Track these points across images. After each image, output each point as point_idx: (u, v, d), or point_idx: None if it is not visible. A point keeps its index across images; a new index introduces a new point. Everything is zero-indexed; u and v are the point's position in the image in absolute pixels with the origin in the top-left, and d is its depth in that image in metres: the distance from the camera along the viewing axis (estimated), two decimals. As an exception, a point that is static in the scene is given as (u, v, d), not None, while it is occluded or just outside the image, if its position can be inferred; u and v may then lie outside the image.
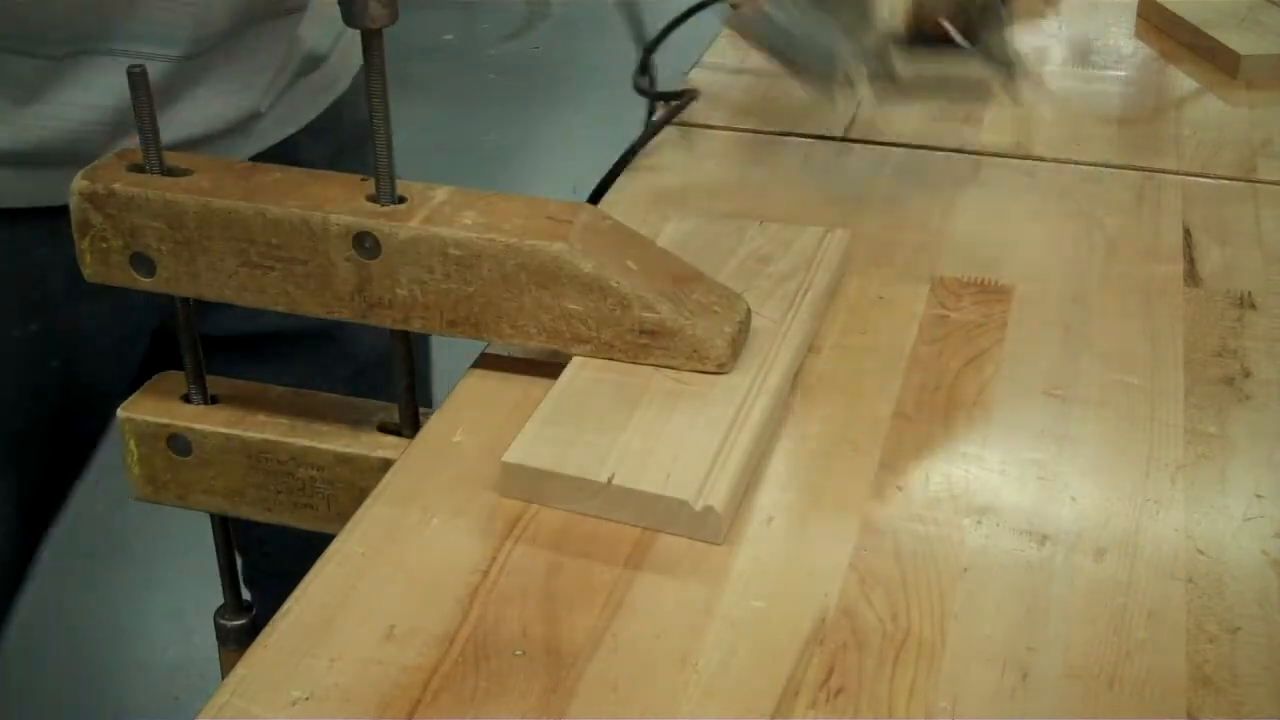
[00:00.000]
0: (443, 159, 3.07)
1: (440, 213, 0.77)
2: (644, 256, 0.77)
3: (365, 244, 0.77)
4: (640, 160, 1.05)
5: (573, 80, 3.73)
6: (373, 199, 0.78)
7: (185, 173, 0.82)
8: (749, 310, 0.78)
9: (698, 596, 0.63)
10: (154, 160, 0.80)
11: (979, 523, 0.67)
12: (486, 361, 0.80)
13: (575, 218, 0.76)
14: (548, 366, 0.77)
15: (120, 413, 0.84)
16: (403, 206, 0.78)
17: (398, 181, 0.79)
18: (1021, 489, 0.69)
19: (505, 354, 0.80)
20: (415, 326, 0.78)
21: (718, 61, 1.24)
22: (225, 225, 0.78)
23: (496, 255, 0.75)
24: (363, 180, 0.79)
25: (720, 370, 0.75)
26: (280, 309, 0.81)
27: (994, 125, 1.09)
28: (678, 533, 0.66)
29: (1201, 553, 0.65)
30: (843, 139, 1.07)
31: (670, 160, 1.05)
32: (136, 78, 0.78)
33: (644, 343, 0.75)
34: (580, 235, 0.75)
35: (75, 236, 0.80)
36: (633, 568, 0.65)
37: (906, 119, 1.10)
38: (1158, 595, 0.63)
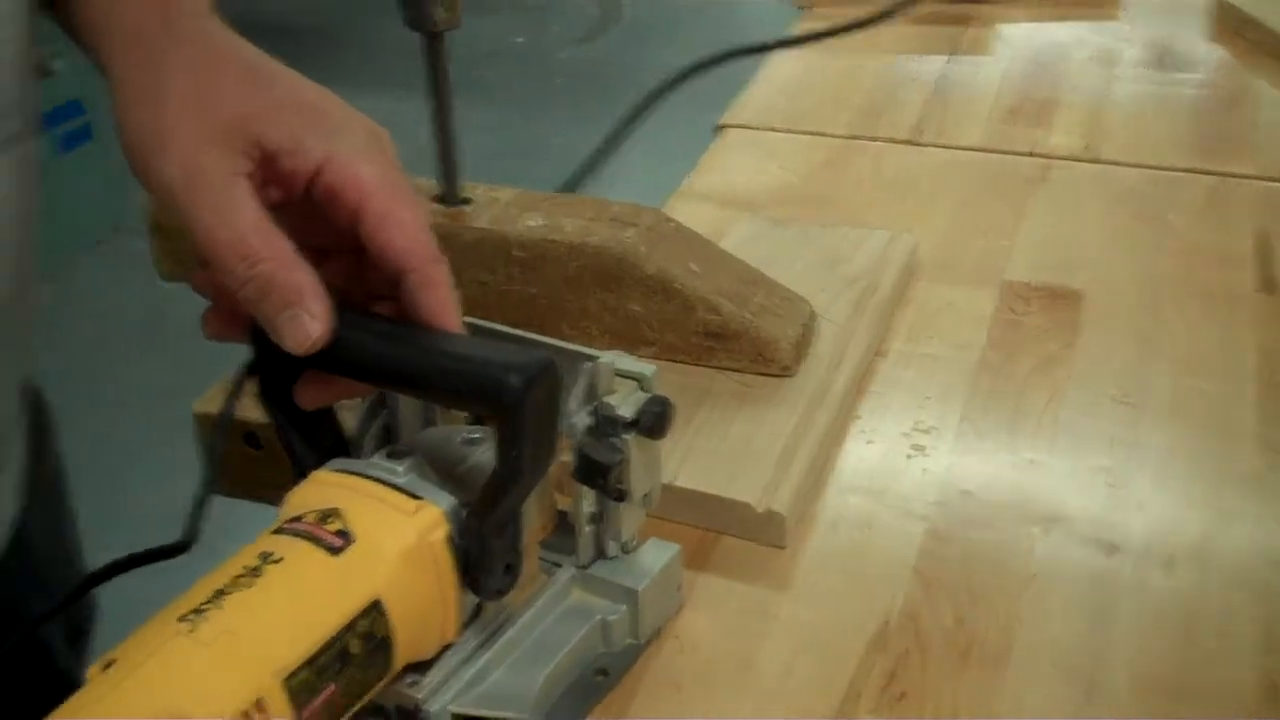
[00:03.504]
0: (509, 162, 3.07)
1: (505, 214, 0.77)
2: (707, 259, 0.76)
3: (431, 244, 0.77)
4: (708, 163, 1.05)
5: (643, 86, 3.74)
6: (439, 200, 0.78)
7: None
8: (813, 313, 0.77)
9: (762, 599, 0.63)
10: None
11: (1047, 530, 0.66)
12: (551, 363, 0.80)
13: (639, 220, 0.76)
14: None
15: (195, 408, 0.85)
16: (467, 208, 0.78)
17: (463, 184, 0.79)
18: (1090, 497, 0.68)
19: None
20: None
21: (779, 69, 1.24)
22: (294, 225, 0.79)
23: (560, 257, 0.75)
24: (429, 181, 0.79)
25: (785, 373, 0.74)
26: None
27: (1064, 128, 1.08)
28: (741, 535, 0.66)
29: (1273, 564, 0.64)
30: (910, 142, 1.06)
31: (738, 163, 1.05)
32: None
33: (708, 345, 0.75)
34: (644, 237, 0.75)
35: (148, 239, 0.81)
36: (697, 569, 0.64)
37: (975, 121, 1.09)
38: (1228, 607, 0.62)
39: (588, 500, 0.58)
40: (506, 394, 0.50)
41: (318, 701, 0.48)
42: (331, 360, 0.54)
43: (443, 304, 0.54)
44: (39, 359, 0.71)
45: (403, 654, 0.52)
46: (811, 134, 1.08)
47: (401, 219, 0.54)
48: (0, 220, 0.58)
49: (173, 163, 0.52)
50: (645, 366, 0.58)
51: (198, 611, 0.47)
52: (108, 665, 0.46)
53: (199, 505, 0.72)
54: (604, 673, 0.58)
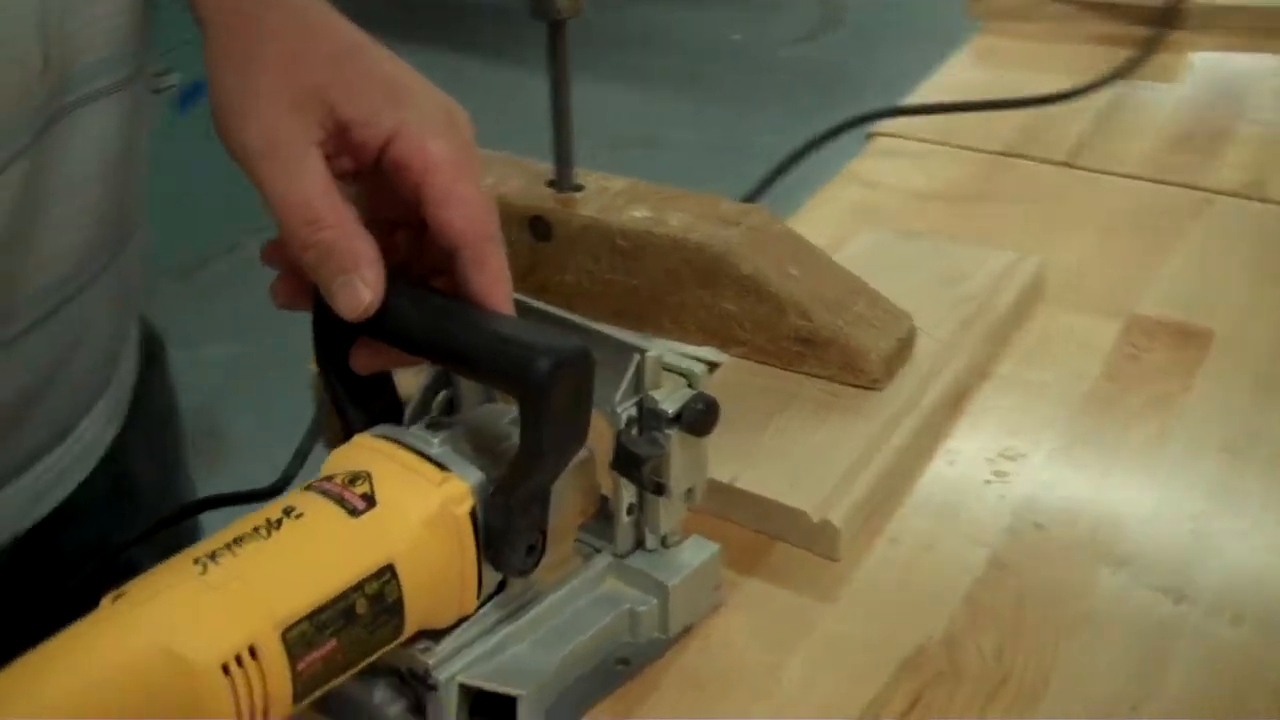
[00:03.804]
0: (714, 159, 3.08)
1: (613, 204, 0.78)
2: (809, 264, 0.76)
3: (539, 228, 0.78)
4: (853, 169, 1.04)
5: (859, 89, 3.70)
6: (551, 185, 0.79)
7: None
8: (913, 328, 0.76)
9: (803, 608, 0.62)
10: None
11: (1115, 572, 0.64)
12: (650, 354, 0.80)
13: (744, 219, 0.76)
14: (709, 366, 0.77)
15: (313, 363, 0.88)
16: (578, 195, 0.79)
17: (580, 171, 0.80)
18: (1170, 542, 0.66)
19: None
20: (577, 312, 0.79)
21: (949, 78, 1.22)
22: (412, 197, 0.81)
23: (661, 250, 0.75)
24: (545, 166, 0.80)
25: (874, 385, 0.73)
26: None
27: (1234, 162, 1.03)
28: (795, 543, 0.65)
29: (1355, 633, 0.61)
30: (1065, 164, 1.03)
31: (881, 172, 1.04)
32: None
33: (798, 350, 0.74)
34: (745, 237, 0.74)
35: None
36: (744, 570, 0.64)
37: (1139, 148, 1.05)
38: (1292, 671, 0.58)
39: (627, 491, 0.59)
40: (532, 376, 0.50)
41: (316, 655, 0.49)
42: (380, 329, 0.55)
43: (492, 283, 0.55)
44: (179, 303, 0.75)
45: (416, 620, 0.53)
46: (964, 148, 1.06)
47: (462, 196, 0.54)
48: (106, 156, 0.61)
49: (251, 127, 0.54)
50: (695, 365, 0.58)
51: (213, 556, 0.49)
52: (118, 597, 0.48)
53: (300, 453, 0.75)
54: (625, 662, 0.59)
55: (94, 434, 0.67)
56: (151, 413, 0.78)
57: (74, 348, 0.63)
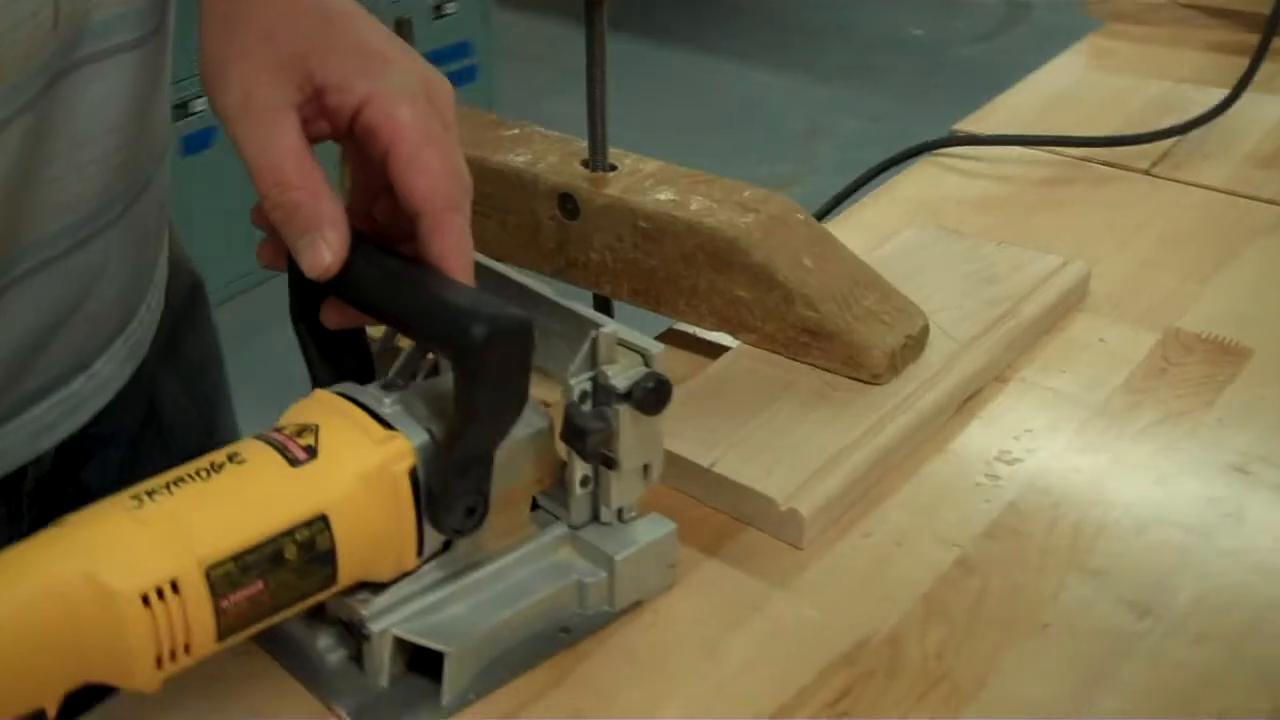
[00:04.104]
0: (876, 149, 3.05)
1: (640, 185, 0.79)
2: (825, 256, 0.76)
3: (568, 205, 0.80)
4: (924, 166, 1.03)
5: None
6: (584, 164, 0.81)
7: (438, 117, 0.87)
8: (926, 327, 0.75)
9: (756, 592, 0.63)
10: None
11: (1084, 582, 0.63)
12: (671, 337, 0.81)
13: (763, 207, 0.76)
14: (722, 350, 0.78)
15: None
16: (609, 175, 0.80)
17: (617, 152, 0.81)
18: (1150, 558, 0.65)
19: (692, 333, 0.81)
20: (605, 291, 0.81)
21: (1049, 78, 1.20)
22: (454, 169, 0.83)
23: (679, 233, 0.76)
24: (582, 144, 0.82)
25: (875, 380, 0.73)
26: (494, 256, 0.85)
27: (1326, 179, 1.00)
28: (764, 529, 0.66)
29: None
30: (1145, 172, 1.01)
31: (954, 169, 1.03)
32: (403, 27, 0.85)
33: (804, 341, 0.74)
34: (761, 225, 0.75)
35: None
36: (708, 552, 0.65)
37: (1226, 160, 1.02)
38: (1243, 698, 0.57)
39: (581, 463, 0.60)
40: (466, 341, 0.52)
41: (241, 595, 0.51)
42: (343, 288, 0.57)
43: (450, 249, 0.56)
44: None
45: (351, 571, 0.55)
46: (1044, 149, 1.04)
47: (426, 164, 0.56)
48: (118, 112, 0.64)
49: (232, 89, 0.57)
50: (653, 344, 0.59)
51: (150, 494, 0.52)
52: (58, 525, 0.51)
53: None
54: (568, 630, 0.60)
55: (110, 371, 0.71)
56: (189, 355, 0.82)
57: (88, 289, 0.66)
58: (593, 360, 0.58)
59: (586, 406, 0.59)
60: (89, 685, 0.51)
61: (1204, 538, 0.66)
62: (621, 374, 0.58)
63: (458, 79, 3.06)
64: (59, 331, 0.66)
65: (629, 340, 0.59)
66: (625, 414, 0.58)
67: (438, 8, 2.97)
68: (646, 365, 0.59)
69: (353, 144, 0.59)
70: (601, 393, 0.58)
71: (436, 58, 2.99)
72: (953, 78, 3.69)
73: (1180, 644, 0.60)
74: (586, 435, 0.58)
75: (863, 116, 3.47)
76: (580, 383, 0.58)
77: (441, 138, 0.57)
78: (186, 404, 0.81)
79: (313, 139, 0.58)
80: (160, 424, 0.79)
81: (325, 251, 0.55)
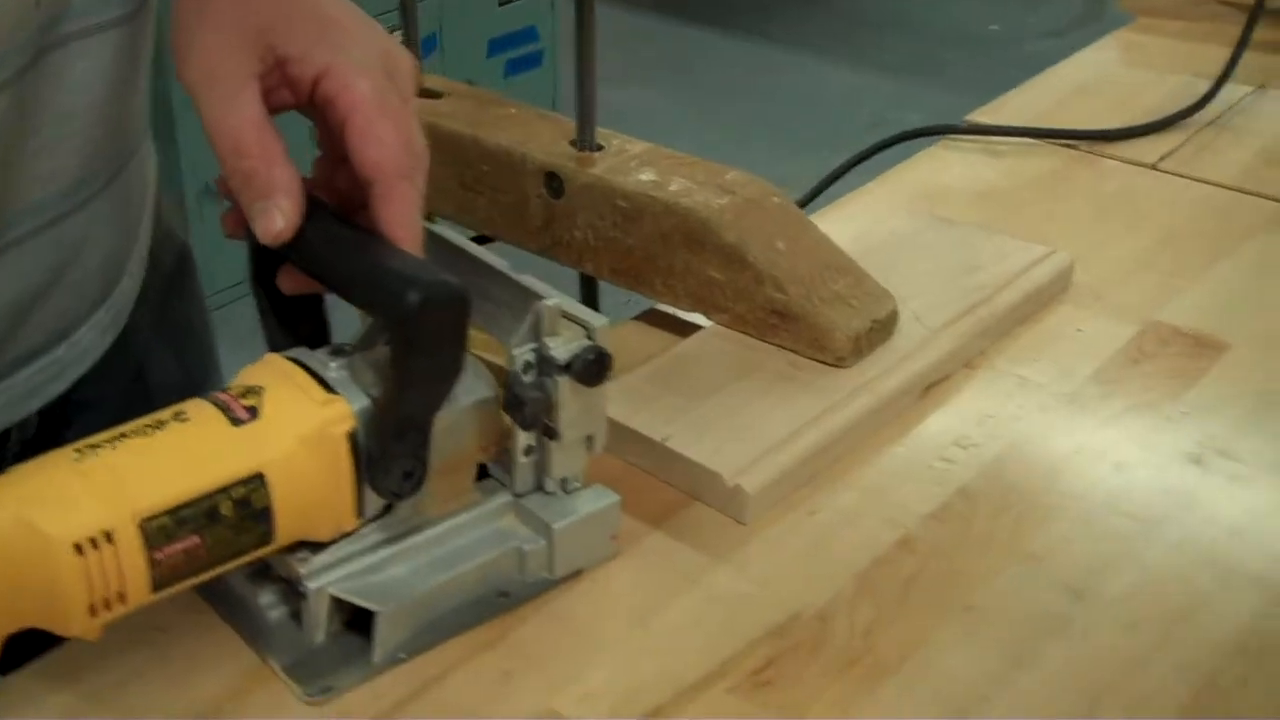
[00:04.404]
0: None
1: (623, 166, 0.80)
2: (798, 239, 0.77)
3: (553, 183, 0.81)
4: (929, 154, 1.04)
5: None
6: (571, 144, 0.82)
7: (438, 95, 0.89)
8: (894, 312, 0.76)
9: (697, 565, 0.64)
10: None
11: (1022, 566, 0.64)
12: (651, 317, 0.83)
13: (740, 190, 0.77)
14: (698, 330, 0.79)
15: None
16: (595, 155, 0.81)
17: (605, 132, 0.83)
18: (1095, 544, 0.65)
19: (671, 313, 0.82)
20: (587, 269, 0.82)
21: (1070, 71, 1.19)
22: (447, 147, 0.85)
23: (656, 213, 0.77)
24: (570, 122, 0.83)
25: (839, 364, 0.74)
26: (485, 233, 0.87)
27: (1336, 177, 0.99)
28: (712, 504, 0.67)
29: (1229, 655, 0.59)
30: (1152, 166, 1.01)
31: (958, 159, 1.03)
32: (407, 3, 0.87)
33: (773, 322, 0.75)
34: (736, 207, 0.76)
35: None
36: (654, 523, 0.66)
37: (1237, 157, 1.02)
38: (1160, 690, 0.57)
39: (523, 433, 0.61)
40: (400, 308, 0.54)
41: (176, 548, 0.54)
42: (296, 254, 0.59)
43: (398, 218, 0.58)
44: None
45: (289, 530, 0.57)
46: (1053, 141, 1.04)
47: (380, 134, 0.58)
48: (100, 87, 0.66)
49: (196, 60, 0.59)
50: (596, 316, 0.60)
51: (93, 447, 0.54)
52: (4, 475, 0.54)
53: None
54: (506, 595, 0.62)
55: (92, 339, 0.73)
56: (178, 321, 0.84)
57: (71, 259, 0.69)
58: (536, 332, 0.60)
59: (530, 377, 0.60)
60: (34, 632, 0.54)
61: (1151, 527, 0.66)
62: (563, 346, 0.59)
63: (523, 65, 3.09)
64: (43, 300, 0.69)
65: (573, 313, 0.60)
66: (566, 385, 0.60)
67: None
68: (589, 338, 0.60)
69: (315, 114, 0.61)
70: (543, 363, 0.60)
71: (502, 43, 3.02)
72: (1021, 74, 3.67)
73: (1110, 630, 0.60)
74: (524, 405, 0.59)
75: (927, 111, 3.45)
76: (523, 353, 0.60)
77: (397, 109, 0.59)
78: (175, 369, 0.84)
79: (276, 109, 0.60)
80: (148, 389, 0.81)
81: (279, 218, 0.57)
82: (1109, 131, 1.04)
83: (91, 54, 0.65)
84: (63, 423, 0.76)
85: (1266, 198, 0.96)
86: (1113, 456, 0.71)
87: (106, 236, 0.71)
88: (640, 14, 4.32)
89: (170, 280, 0.83)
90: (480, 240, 0.86)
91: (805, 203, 0.93)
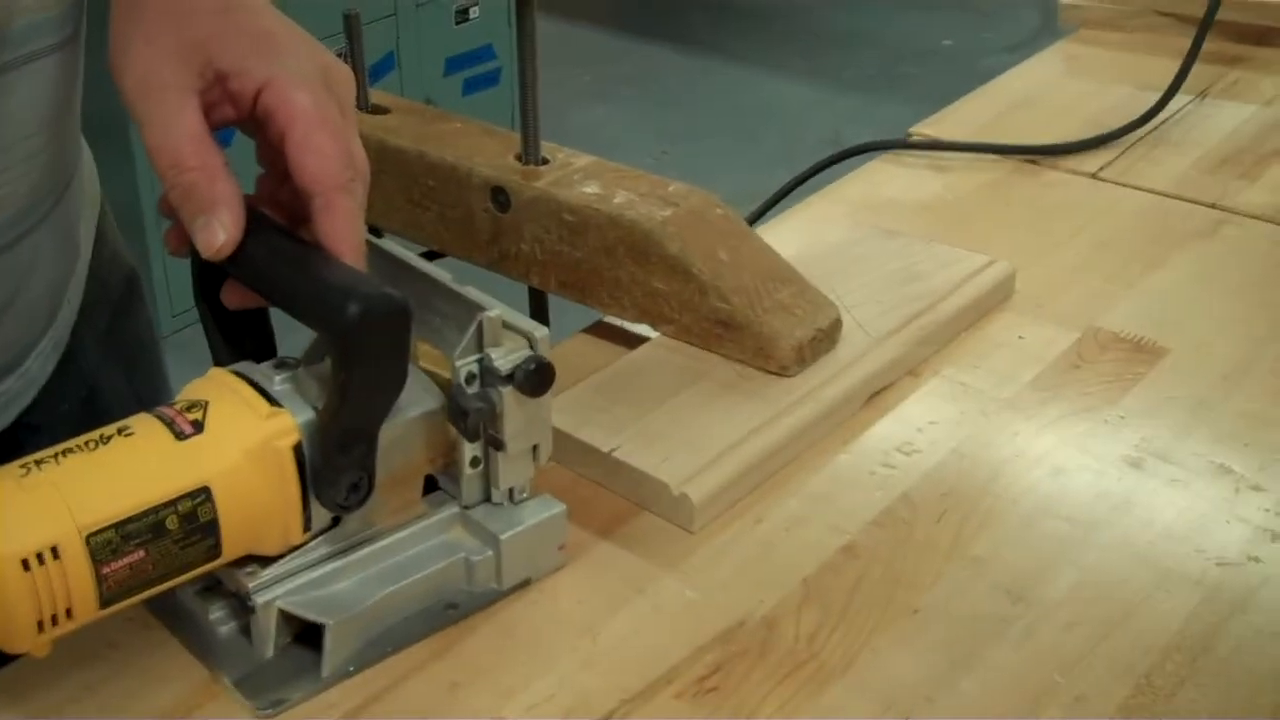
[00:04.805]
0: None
1: (568, 179, 0.81)
2: (741, 250, 0.78)
3: (499, 197, 0.82)
4: (871, 168, 1.05)
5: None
6: (517, 158, 0.83)
7: (385, 111, 0.90)
8: (838, 321, 0.77)
9: (644, 573, 0.65)
10: (362, 97, 0.89)
11: (963, 569, 0.65)
12: (599, 329, 0.83)
13: (683, 202, 0.78)
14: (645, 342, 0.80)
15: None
16: (540, 168, 0.82)
17: (550, 146, 0.83)
18: (1034, 546, 0.66)
19: (619, 326, 0.83)
20: (535, 282, 0.83)
21: (1014, 82, 1.21)
22: (395, 162, 0.86)
23: (601, 226, 0.78)
24: (516, 136, 0.84)
25: (784, 372, 0.75)
26: (434, 247, 0.87)
27: (1271, 186, 1.00)
28: (660, 514, 0.68)
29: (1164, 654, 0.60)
30: (1092, 175, 1.02)
31: (901, 172, 1.04)
32: (352, 20, 0.87)
33: (718, 332, 0.76)
34: (679, 219, 0.77)
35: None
36: (602, 534, 0.67)
37: (1175, 165, 1.03)
38: (1099, 690, 0.58)
39: (471, 444, 0.62)
40: (340, 321, 0.54)
41: (122, 562, 0.54)
42: (238, 269, 0.60)
43: (339, 230, 0.58)
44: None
45: (236, 544, 0.57)
46: (993, 154, 1.06)
47: (319, 146, 0.58)
48: (46, 111, 0.67)
49: (134, 72, 0.59)
50: (537, 327, 0.61)
51: (39, 463, 0.54)
52: (-51, 492, 0.54)
53: None
54: (454, 606, 0.62)
55: (37, 368, 0.74)
56: (127, 342, 0.84)
57: (19, 286, 0.69)
58: (479, 343, 0.60)
59: (473, 388, 0.61)
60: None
61: (1089, 529, 0.67)
62: (505, 356, 0.60)
63: (480, 83, 3.09)
64: None
65: (515, 324, 0.61)
66: (509, 396, 0.60)
67: (462, 11, 3.00)
68: (531, 349, 0.61)
69: (256, 129, 0.61)
70: (486, 374, 0.60)
71: (459, 62, 3.02)
72: (971, 88, 3.70)
73: (1050, 630, 0.61)
74: (468, 415, 0.60)
75: (885, 126, 3.48)
76: (466, 364, 0.60)
77: (336, 122, 0.60)
78: (125, 390, 0.84)
79: (218, 124, 0.60)
80: (97, 410, 0.81)
81: (219, 232, 0.58)
82: (1055, 146, 1.05)
83: (34, 80, 0.65)
84: (14, 446, 0.76)
85: (1204, 205, 0.98)
86: (1052, 460, 0.72)
87: (52, 261, 0.72)
88: (608, 32, 4.35)
89: (118, 302, 0.83)
90: (430, 255, 0.86)
91: (755, 218, 0.94)
